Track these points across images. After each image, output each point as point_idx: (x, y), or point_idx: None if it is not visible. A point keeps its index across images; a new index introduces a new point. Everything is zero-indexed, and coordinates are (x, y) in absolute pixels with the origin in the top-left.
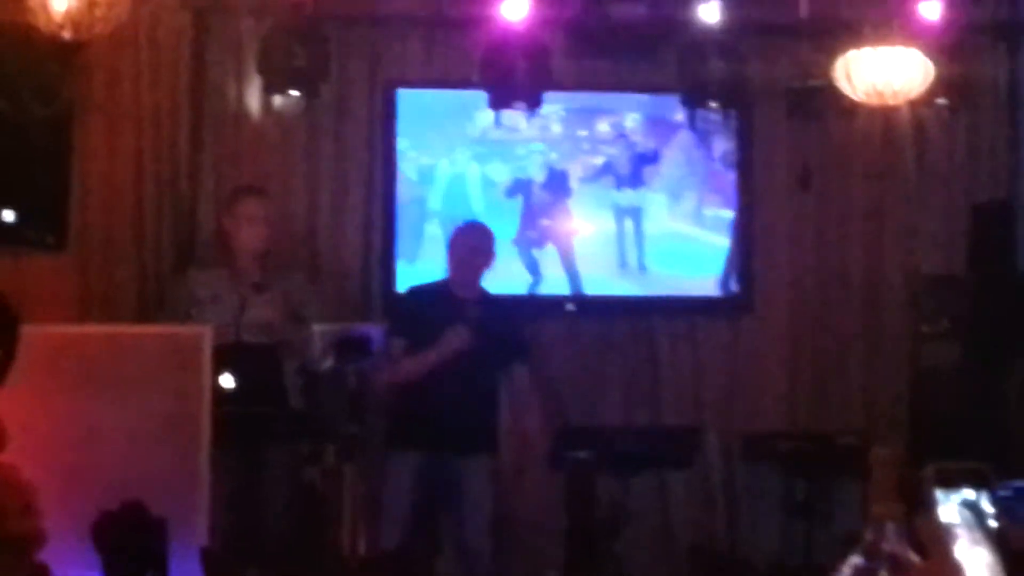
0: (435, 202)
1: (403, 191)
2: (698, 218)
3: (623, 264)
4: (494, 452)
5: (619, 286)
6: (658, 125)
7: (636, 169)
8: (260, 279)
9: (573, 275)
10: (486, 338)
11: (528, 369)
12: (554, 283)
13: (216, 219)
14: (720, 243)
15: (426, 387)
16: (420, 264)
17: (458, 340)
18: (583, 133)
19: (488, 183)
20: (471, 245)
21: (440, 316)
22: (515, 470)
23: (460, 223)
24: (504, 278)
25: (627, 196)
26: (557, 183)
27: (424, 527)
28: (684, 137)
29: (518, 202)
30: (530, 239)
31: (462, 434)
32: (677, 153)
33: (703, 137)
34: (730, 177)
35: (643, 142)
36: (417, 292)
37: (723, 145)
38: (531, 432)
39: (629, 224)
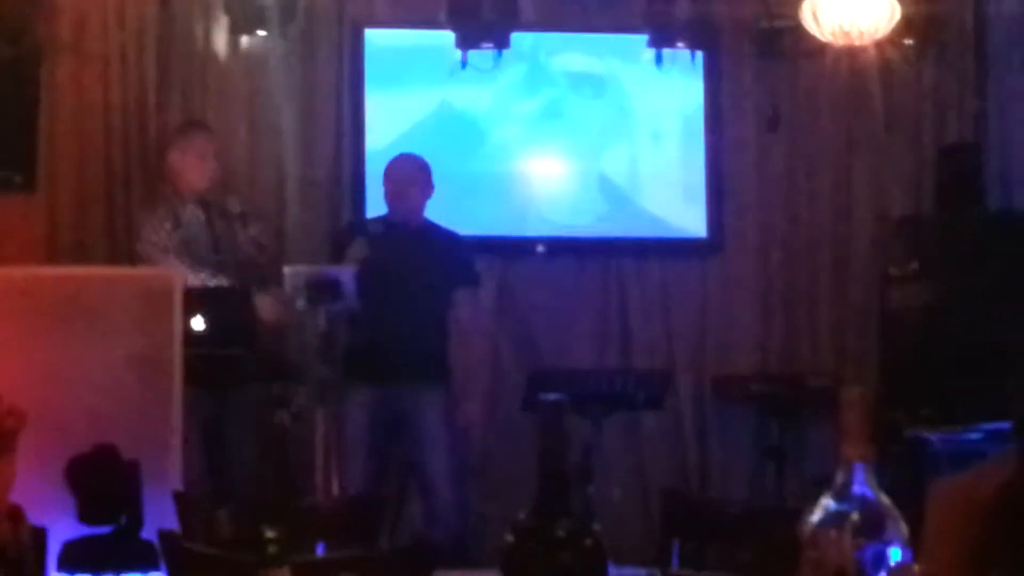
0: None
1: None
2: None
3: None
4: (446, 382)
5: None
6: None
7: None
8: (218, 210)
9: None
10: (430, 266)
11: (476, 295)
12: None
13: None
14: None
15: (370, 317)
16: None
17: (354, 252)
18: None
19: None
20: (403, 176)
21: (381, 247)
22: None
23: (395, 155)
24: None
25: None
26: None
27: (385, 468)
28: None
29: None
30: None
31: (410, 364)
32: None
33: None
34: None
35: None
36: (355, 225)
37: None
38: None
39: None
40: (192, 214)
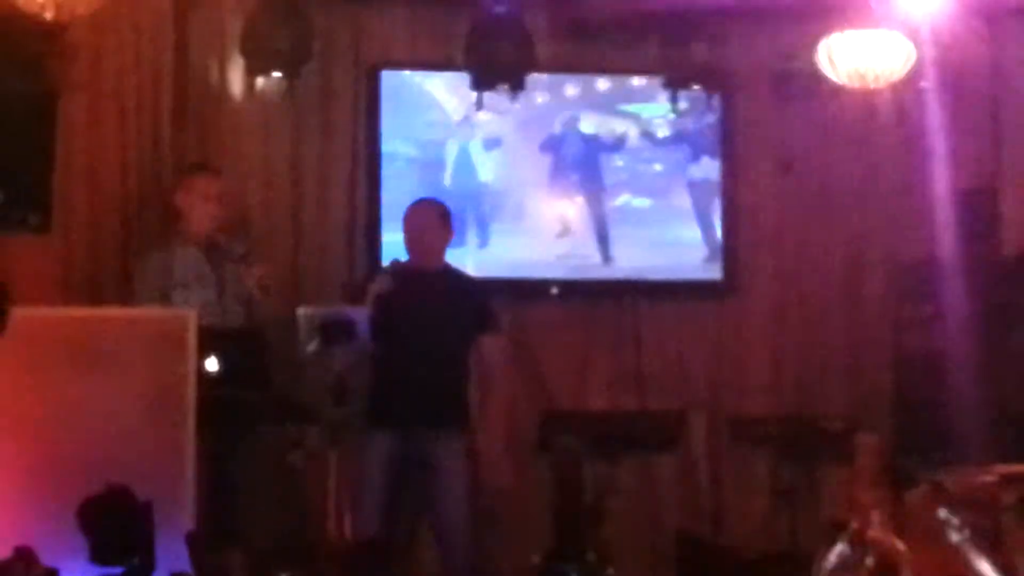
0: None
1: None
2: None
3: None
4: (465, 428)
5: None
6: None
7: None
8: (225, 253)
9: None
10: (449, 310)
11: (497, 340)
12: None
13: (169, 196)
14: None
15: (390, 361)
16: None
17: (376, 285)
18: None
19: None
20: (419, 222)
21: (400, 291)
22: (498, 449)
23: (414, 200)
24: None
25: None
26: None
27: (398, 510)
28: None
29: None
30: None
31: (430, 409)
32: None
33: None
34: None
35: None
36: (386, 268)
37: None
38: (497, 404)
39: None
40: (194, 257)
